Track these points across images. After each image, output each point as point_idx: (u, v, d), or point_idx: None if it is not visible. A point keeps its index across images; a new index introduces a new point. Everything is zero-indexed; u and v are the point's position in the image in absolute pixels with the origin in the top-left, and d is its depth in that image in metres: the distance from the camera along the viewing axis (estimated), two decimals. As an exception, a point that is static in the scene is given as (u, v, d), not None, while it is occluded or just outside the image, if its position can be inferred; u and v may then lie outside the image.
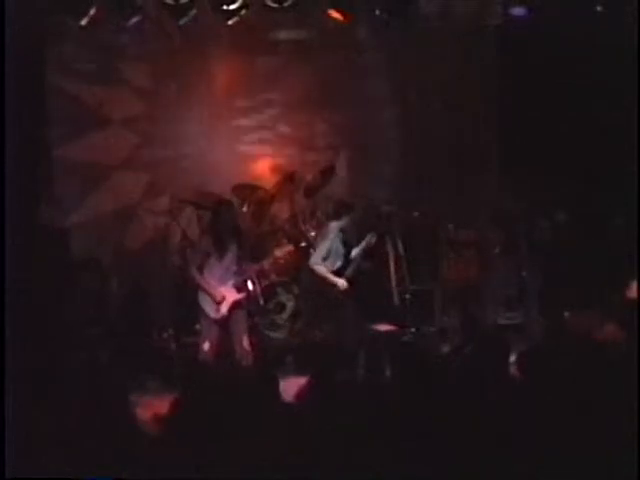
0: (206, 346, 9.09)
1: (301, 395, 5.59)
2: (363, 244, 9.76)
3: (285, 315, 10.83)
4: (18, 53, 8.83)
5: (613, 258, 10.67)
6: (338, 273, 9.59)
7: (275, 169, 11.90)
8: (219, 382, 5.45)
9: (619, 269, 10.29)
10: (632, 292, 9.70)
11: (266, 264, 9.92)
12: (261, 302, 10.67)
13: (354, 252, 9.71)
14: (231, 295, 9.19)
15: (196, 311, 9.52)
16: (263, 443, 4.99)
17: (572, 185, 10.86)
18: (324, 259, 9.59)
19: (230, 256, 9.20)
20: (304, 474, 4.88)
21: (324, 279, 9.59)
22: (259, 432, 5.05)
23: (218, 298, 9.13)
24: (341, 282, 9.54)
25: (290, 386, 5.90)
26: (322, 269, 9.57)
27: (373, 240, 9.89)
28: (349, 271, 9.58)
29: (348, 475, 4.94)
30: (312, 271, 9.72)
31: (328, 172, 11.52)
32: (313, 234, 11.00)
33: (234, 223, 9.37)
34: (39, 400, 5.51)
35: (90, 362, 9.31)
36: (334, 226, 9.68)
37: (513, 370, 5.96)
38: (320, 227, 11.06)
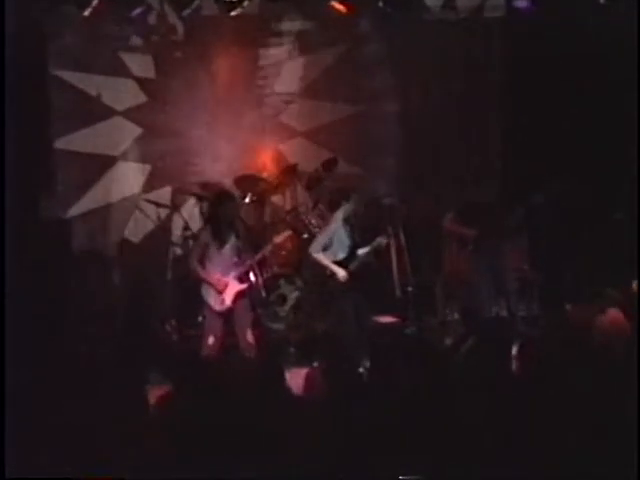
0: (210, 340, 9.06)
1: (309, 386, 5.60)
2: (373, 245, 9.64)
3: (287, 307, 10.83)
4: (20, 44, 8.84)
5: (614, 252, 10.67)
6: (340, 264, 9.52)
7: (277, 161, 11.89)
8: (223, 375, 5.46)
9: (620, 263, 10.30)
10: (633, 285, 9.71)
11: (266, 251, 9.82)
12: (263, 294, 10.67)
13: (361, 251, 9.60)
14: (234, 286, 9.17)
15: (198, 303, 9.52)
16: (267, 435, 5.01)
17: (574, 179, 10.84)
18: (325, 248, 9.50)
19: (230, 247, 9.17)
20: (308, 465, 4.90)
21: (323, 267, 9.52)
22: (263, 425, 5.06)
23: (220, 287, 9.11)
24: (342, 273, 9.44)
25: (293, 378, 5.91)
26: (321, 257, 9.48)
27: (383, 243, 9.79)
28: (353, 265, 9.51)
29: (351, 465, 4.95)
30: (312, 259, 9.65)
31: (330, 164, 11.51)
32: (315, 225, 11.00)
33: (234, 214, 9.33)
34: (39, 400, 5.51)
35: (93, 355, 9.32)
36: (338, 216, 9.59)
37: (515, 362, 5.97)
38: (322, 218, 11.05)
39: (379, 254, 9.84)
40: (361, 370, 6.43)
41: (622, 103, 10.90)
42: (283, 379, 5.62)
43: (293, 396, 5.52)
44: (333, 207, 9.67)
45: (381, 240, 9.70)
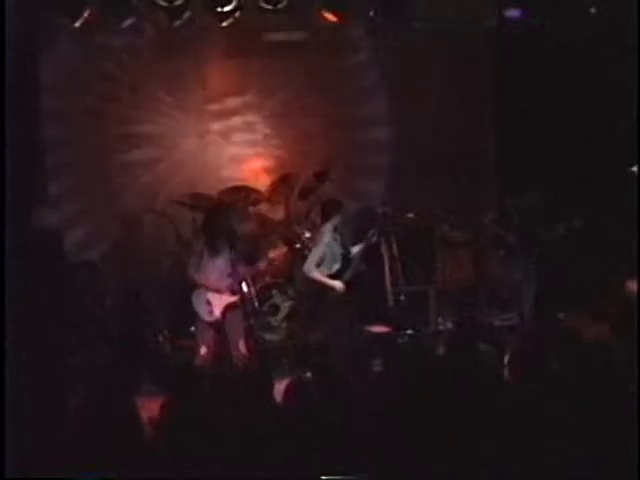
0: (202, 350, 9.09)
1: (287, 395, 5.60)
2: (364, 242, 9.66)
3: (279, 317, 10.82)
4: (14, 55, 8.82)
5: (608, 259, 10.68)
6: (336, 276, 9.52)
7: (270, 171, 11.90)
8: (215, 385, 5.46)
9: (614, 270, 10.31)
10: (627, 293, 9.72)
11: (261, 266, 9.87)
12: (256, 304, 10.67)
13: (354, 250, 9.63)
14: (226, 297, 9.21)
15: (191, 313, 9.53)
16: (259, 444, 5.00)
17: (569, 186, 10.87)
18: (318, 265, 9.48)
19: (223, 258, 9.21)
20: (300, 474, 4.89)
21: (321, 284, 9.50)
22: (255, 434, 5.06)
23: (223, 290, 9.13)
24: (339, 285, 9.45)
25: (285, 388, 5.90)
26: (317, 275, 9.46)
27: (374, 238, 9.82)
28: (348, 274, 9.52)
29: (343, 475, 4.95)
30: (308, 277, 9.65)
31: (323, 174, 11.51)
32: (308, 236, 11.00)
33: (228, 225, 9.37)
34: (38, 401, 5.54)
35: (86, 364, 9.32)
36: (327, 228, 9.59)
37: (507, 371, 5.98)
38: (315, 228, 11.06)
39: (372, 250, 9.86)
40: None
41: (614, 108, 10.93)
42: (274, 389, 5.62)
43: (284, 406, 5.52)
44: (326, 217, 9.68)
45: (372, 234, 9.69)
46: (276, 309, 10.82)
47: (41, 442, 5.07)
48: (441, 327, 11.03)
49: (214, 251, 9.19)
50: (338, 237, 9.58)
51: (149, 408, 5.63)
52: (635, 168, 10.69)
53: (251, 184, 11.58)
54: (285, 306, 10.82)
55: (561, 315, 10.68)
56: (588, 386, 5.42)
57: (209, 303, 9.19)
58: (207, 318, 9.19)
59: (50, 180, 11.22)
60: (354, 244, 9.70)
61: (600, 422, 5.13)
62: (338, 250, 9.55)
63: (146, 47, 11.50)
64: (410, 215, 11.41)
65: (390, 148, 12.36)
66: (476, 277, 11.28)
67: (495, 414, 5.32)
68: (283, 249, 10.87)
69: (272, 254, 10.03)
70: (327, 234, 9.53)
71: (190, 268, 9.27)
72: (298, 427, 5.20)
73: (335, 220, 9.53)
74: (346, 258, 9.53)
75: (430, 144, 12.05)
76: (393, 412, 5.35)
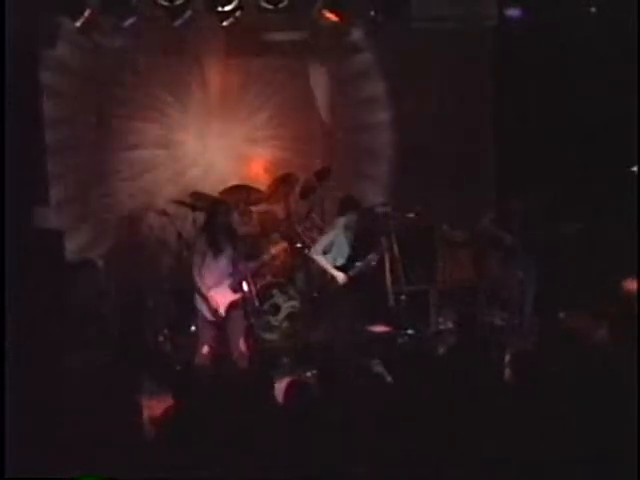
0: (203, 349, 9.09)
1: (288, 395, 5.61)
2: (365, 261, 9.69)
3: (280, 317, 10.82)
4: (14, 54, 8.83)
5: (608, 259, 10.68)
6: (338, 270, 9.58)
7: (270, 170, 11.89)
8: (215, 384, 5.47)
9: (615, 271, 10.30)
10: (626, 293, 9.72)
11: (264, 259, 9.85)
12: (256, 303, 10.67)
13: (356, 264, 9.67)
14: (228, 296, 9.20)
15: (191, 312, 9.53)
16: (259, 444, 5.01)
17: (569, 186, 10.87)
18: (325, 252, 9.57)
19: (225, 257, 9.21)
20: (300, 474, 4.90)
21: (321, 273, 9.55)
22: (255, 433, 5.06)
23: (212, 304, 9.13)
24: (341, 276, 9.51)
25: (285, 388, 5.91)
26: (322, 259, 9.55)
27: (375, 259, 9.85)
28: (350, 272, 9.56)
29: (344, 474, 4.95)
30: (312, 260, 9.69)
31: (324, 173, 11.52)
32: (308, 235, 11.01)
33: (229, 224, 9.38)
34: (38, 401, 5.54)
35: (86, 364, 9.32)
36: (341, 222, 9.66)
37: (508, 371, 5.98)
38: (315, 228, 11.08)
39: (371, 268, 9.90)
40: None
41: (614, 108, 10.93)
42: (274, 389, 5.63)
43: (285, 405, 5.52)
44: (341, 212, 9.72)
45: (373, 256, 9.76)
46: (277, 309, 10.82)
47: (41, 442, 5.08)
48: (442, 327, 11.03)
49: (216, 250, 9.19)
50: (349, 235, 9.63)
51: (149, 408, 5.64)
52: (635, 168, 10.71)
53: (252, 184, 11.57)
54: (286, 306, 10.82)
55: (561, 315, 10.68)
56: (588, 386, 5.42)
57: (214, 302, 9.17)
58: (211, 317, 9.19)
59: (50, 180, 11.23)
60: (358, 252, 9.71)
61: (600, 422, 5.13)
62: (345, 248, 9.60)
63: (146, 47, 11.50)
64: (410, 215, 11.41)
65: (390, 148, 12.36)
66: (476, 277, 11.28)
67: (495, 414, 5.32)
68: (284, 245, 10.83)
69: (274, 250, 10.01)
70: (339, 227, 9.61)
71: (194, 268, 9.26)
72: (298, 427, 5.21)
73: (348, 217, 9.60)
74: (350, 259, 9.58)
75: (430, 144, 12.05)
76: (393, 412, 5.35)
